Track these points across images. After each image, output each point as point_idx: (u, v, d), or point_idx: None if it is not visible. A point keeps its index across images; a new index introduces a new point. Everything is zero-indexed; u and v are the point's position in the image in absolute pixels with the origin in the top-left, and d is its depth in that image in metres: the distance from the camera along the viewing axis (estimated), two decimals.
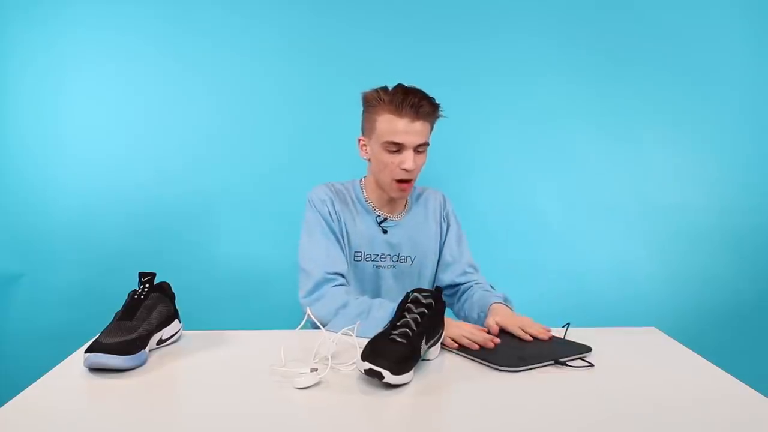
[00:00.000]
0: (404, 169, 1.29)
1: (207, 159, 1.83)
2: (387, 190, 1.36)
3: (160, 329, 1.05)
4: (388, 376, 0.86)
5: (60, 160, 1.78)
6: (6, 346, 1.78)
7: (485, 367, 0.99)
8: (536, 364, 0.99)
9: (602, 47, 1.87)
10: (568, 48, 1.87)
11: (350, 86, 1.43)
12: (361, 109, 1.36)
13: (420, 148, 1.30)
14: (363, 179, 1.45)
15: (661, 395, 0.88)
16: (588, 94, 1.89)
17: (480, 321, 1.26)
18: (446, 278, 1.45)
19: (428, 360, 1.02)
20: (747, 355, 1.71)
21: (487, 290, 1.38)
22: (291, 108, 1.84)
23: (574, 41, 1.87)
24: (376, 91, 1.30)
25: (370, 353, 0.89)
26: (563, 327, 1.17)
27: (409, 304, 1.00)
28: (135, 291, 1.05)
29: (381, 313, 1.17)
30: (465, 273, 1.44)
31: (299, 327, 1.11)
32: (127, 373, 0.93)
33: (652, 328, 1.26)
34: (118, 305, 1.05)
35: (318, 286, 1.25)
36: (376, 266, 1.39)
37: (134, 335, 0.96)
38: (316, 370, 0.91)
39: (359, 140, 1.38)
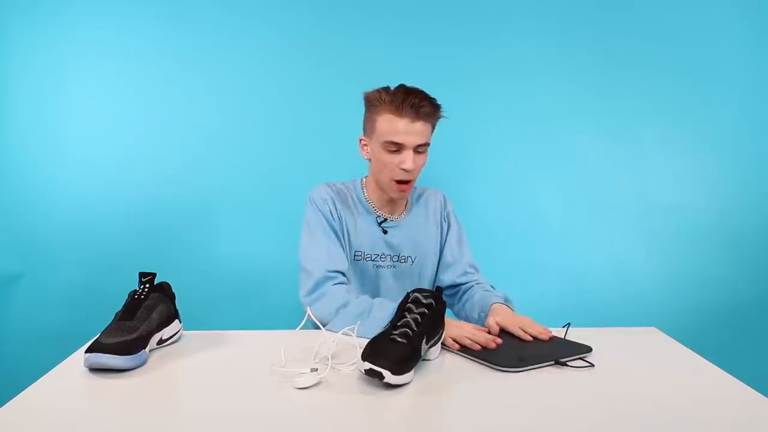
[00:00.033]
0: (403, 169, 1.29)
1: (207, 159, 1.83)
2: (386, 191, 1.36)
3: (161, 329, 1.05)
4: (389, 377, 0.86)
5: (60, 160, 1.78)
6: (6, 346, 1.78)
7: (485, 367, 0.99)
8: (536, 364, 0.99)
9: (602, 47, 1.87)
10: (568, 48, 1.87)
11: (350, 86, 1.43)
12: (362, 108, 1.36)
13: (420, 149, 1.30)
14: (364, 179, 1.45)
15: (662, 395, 0.88)
16: (588, 94, 1.89)
17: (480, 321, 1.26)
18: (447, 278, 1.45)
19: (428, 360, 1.02)
20: (747, 355, 1.71)
21: (487, 290, 1.38)
22: (291, 108, 1.84)
23: (574, 41, 1.87)
24: (378, 91, 1.30)
25: (370, 353, 0.89)
26: (563, 327, 1.17)
27: (409, 304, 1.00)
28: (135, 291, 1.05)
29: (381, 313, 1.17)
30: (466, 273, 1.44)
31: (299, 327, 1.11)
32: (127, 373, 0.93)
33: (653, 328, 1.26)
34: (118, 305, 1.05)
35: (319, 284, 1.25)
36: (376, 266, 1.39)
37: (134, 335, 0.96)
38: (317, 370, 0.91)
39: (360, 140, 1.38)
